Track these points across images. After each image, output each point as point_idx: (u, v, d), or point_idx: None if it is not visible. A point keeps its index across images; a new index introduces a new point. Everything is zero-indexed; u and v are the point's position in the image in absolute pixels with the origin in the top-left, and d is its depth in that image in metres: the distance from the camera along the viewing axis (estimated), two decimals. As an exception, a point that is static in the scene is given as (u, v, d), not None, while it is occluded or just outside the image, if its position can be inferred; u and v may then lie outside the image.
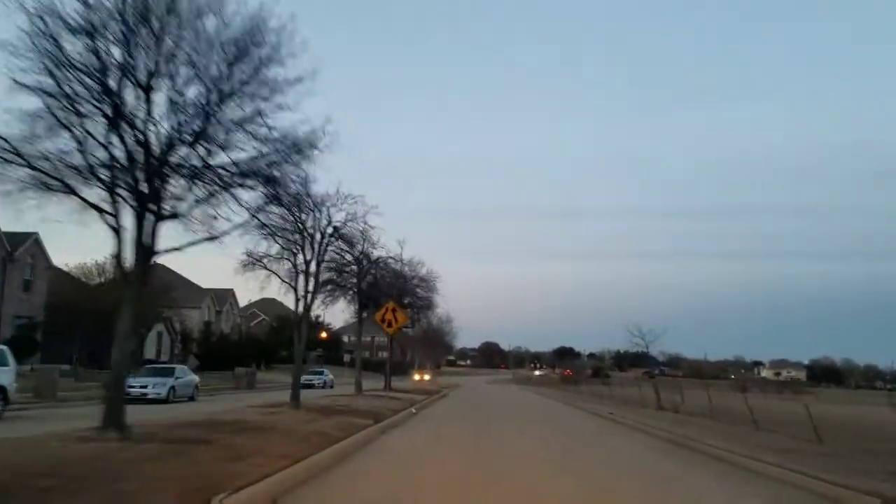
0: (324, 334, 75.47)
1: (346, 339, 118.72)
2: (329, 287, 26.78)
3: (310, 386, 47.65)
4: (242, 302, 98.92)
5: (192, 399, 26.54)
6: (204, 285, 64.37)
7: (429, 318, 44.44)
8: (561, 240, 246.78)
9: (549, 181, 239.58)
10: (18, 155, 8.41)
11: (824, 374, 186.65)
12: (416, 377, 57.32)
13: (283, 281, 17.98)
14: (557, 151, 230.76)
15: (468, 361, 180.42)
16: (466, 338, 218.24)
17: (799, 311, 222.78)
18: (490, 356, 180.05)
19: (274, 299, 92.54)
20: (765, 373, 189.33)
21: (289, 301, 19.68)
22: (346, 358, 74.83)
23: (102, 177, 8.96)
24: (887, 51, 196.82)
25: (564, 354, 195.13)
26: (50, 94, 8.49)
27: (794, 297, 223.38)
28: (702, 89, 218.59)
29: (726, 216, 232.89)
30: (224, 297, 64.24)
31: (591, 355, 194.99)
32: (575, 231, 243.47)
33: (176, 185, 9.65)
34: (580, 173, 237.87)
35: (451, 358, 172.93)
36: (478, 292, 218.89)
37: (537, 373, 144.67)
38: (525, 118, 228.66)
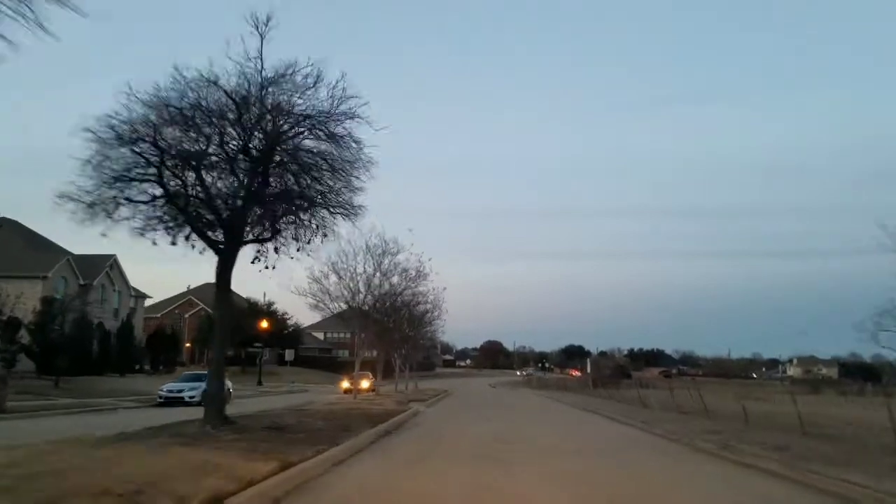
0: (265, 323, 53.53)
1: (322, 335, 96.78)
2: None
3: (176, 401, 26.57)
4: (174, 286, 77.65)
5: None
6: (79, 250, 42.58)
7: (368, 246, 23.11)
8: (562, 239, 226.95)
9: (548, 181, 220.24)
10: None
11: (859, 372, 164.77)
12: (346, 385, 35.33)
13: None
14: (558, 151, 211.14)
15: (468, 361, 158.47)
16: (467, 338, 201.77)
17: (801, 308, 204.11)
18: (493, 356, 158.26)
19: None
20: (792, 370, 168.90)
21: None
22: (289, 356, 52.86)
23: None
24: (887, 51, 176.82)
25: (573, 353, 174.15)
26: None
27: (796, 295, 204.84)
28: (704, 90, 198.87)
29: (729, 216, 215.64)
30: (96, 266, 42.28)
31: (602, 353, 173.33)
32: (578, 231, 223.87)
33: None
34: (580, 173, 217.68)
35: (449, 358, 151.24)
36: (477, 293, 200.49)
37: (522, 373, 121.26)
38: (527, 119, 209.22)
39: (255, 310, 64.13)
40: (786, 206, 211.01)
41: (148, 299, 58.86)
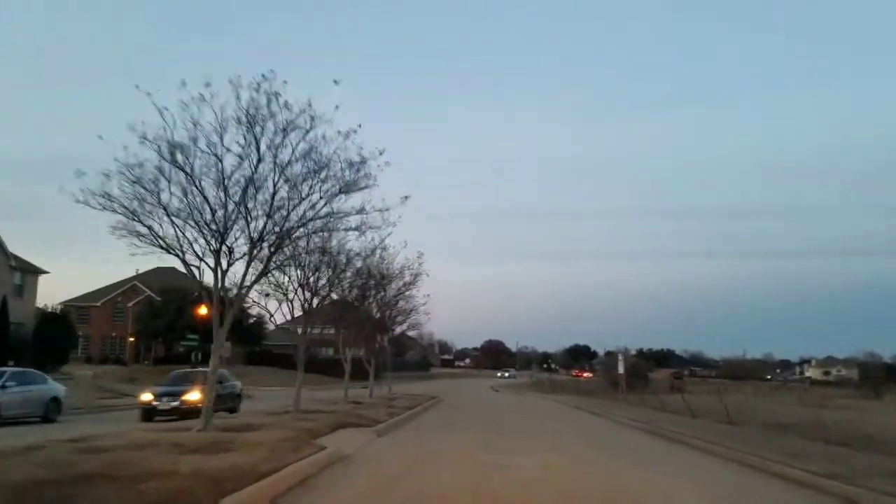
0: (203, 309, 40.63)
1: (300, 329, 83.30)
2: None
3: None
4: (111, 272, 63.29)
5: None
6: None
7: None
8: (564, 239, 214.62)
9: (550, 181, 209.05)
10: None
11: (879, 372, 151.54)
12: (147, 398, 17.52)
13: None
14: (560, 151, 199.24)
15: (467, 361, 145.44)
16: (467, 338, 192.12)
17: (810, 309, 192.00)
18: (495, 355, 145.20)
19: (174, 268, 57.86)
20: (810, 371, 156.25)
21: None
22: (226, 351, 39.73)
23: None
24: (887, 51, 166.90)
25: (579, 353, 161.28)
26: None
27: (805, 296, 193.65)
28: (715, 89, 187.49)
29: (729, 216, 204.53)
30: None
31: (609, 354, 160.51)
32: (581, 231, 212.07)
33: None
34: (583, 172, 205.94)
35: (447, 357, 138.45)
36: (478, 293, 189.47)
37: (504, 374, 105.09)
38: (530, 119, 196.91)
39: (210, 297, 51.17)
40: (787, 206, 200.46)
41: (87, 286, 46.18)
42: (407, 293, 23.76)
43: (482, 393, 48.33)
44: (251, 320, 55.11)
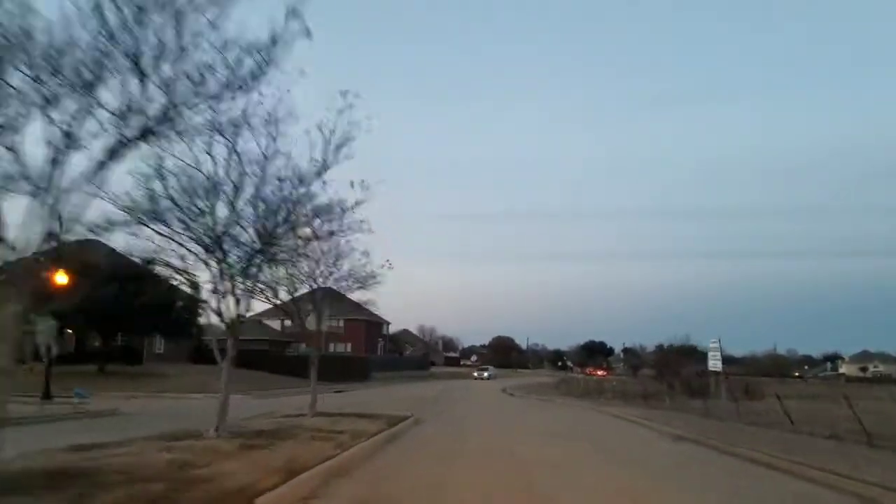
0: (62, 277, 25.46)
1: (279, 325, 66.73)
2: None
3: None
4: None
5: None
6: None
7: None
8: (572, 239, 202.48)
9: (560, 182, 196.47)
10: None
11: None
12: None
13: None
14: (562, 152, 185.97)
15: (474, 358, 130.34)
16: (476, 336, 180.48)
17: (815, 306, 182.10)
18: (505, 352, 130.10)
19: (104, 243, 44.48)
20: (844, 368, 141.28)
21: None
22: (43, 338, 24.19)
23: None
24: (888, 50, 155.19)
25: (595, 350, 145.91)
26: None
27: (812, 293, 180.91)
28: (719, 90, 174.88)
29: (736, 216, 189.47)
30: None
31: (627, 350, 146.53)
32: (588, 230, 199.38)
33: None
34: (591, 173, 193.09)
35: (453, 355, 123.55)
36: (488, 291, 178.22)
37: (483, 374, 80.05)
38: (542, 120, 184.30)
39: (130, 271, 36.09)
40: (788, 206, 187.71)
41: None
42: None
43: (492, 403, 32.76)
44: (180, 304, 39.92)
